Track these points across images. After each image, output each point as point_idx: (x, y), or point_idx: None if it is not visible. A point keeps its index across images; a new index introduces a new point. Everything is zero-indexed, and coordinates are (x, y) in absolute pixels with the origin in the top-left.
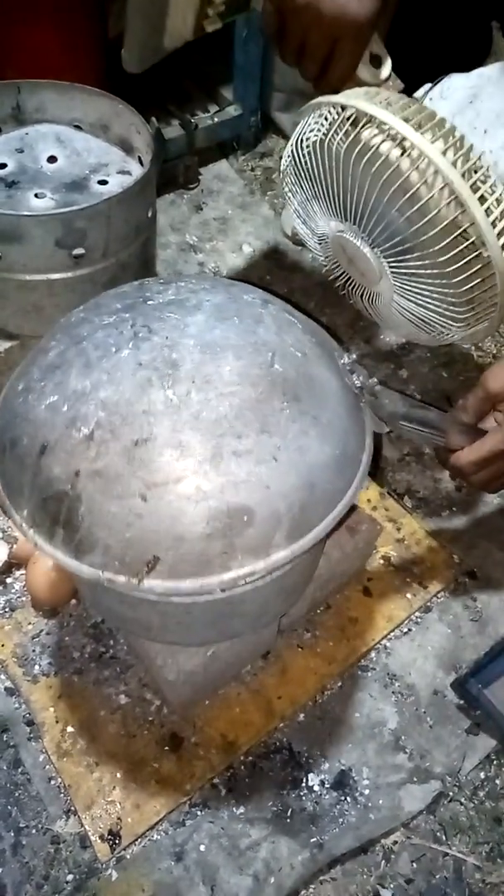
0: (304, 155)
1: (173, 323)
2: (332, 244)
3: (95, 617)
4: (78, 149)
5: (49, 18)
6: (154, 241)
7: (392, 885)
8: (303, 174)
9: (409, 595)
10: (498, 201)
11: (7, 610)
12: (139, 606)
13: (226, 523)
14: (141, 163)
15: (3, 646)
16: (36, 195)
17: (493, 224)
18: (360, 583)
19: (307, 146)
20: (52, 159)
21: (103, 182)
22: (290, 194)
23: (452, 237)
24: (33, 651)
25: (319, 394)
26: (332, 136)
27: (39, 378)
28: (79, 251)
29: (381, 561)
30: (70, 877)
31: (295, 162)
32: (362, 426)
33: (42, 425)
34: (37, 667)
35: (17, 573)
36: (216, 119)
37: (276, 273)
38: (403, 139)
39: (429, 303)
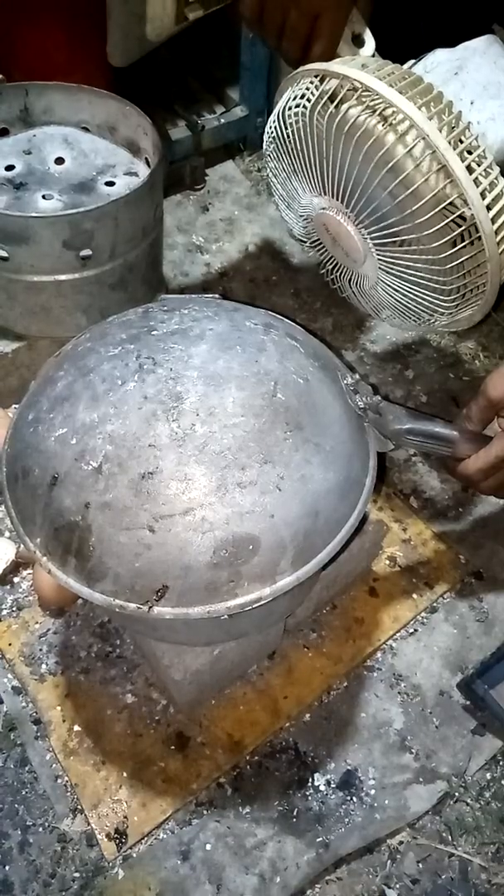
0: (284, 130)
1: (177, 354)
2: (315, 224)
3: (102, 616)
4: (85, 150)
5: (56, 20)
6: (161, 241)
7: (398, 886)
8: (284, 149)
9: (415, 595)
10: (486, 172)
11: (14, 609)
12: (136, 615)
13: (232, 552)
14: (148, 164)
15: (10, 645)
16: (43, 196)
17: (483, 195)
18: (366, 583)
19: (288, 121)
20: (59, 161)
21: (110, 183)
22: (272, 174)
23: (438, 210)
24: (40, 650)
25: (322, 420)
26: (312, 109)
27: (48, 409)
28: (86, 252)
29: (388, 561)
30: (77, 875)
31: (276, 137)
32: (366, 449)
33: (52, 457)
34: (44, 666)
35: (25, 572)
36: (223, 120)
37: (282, 273)
38: (385, 107)
39: (414, 284)
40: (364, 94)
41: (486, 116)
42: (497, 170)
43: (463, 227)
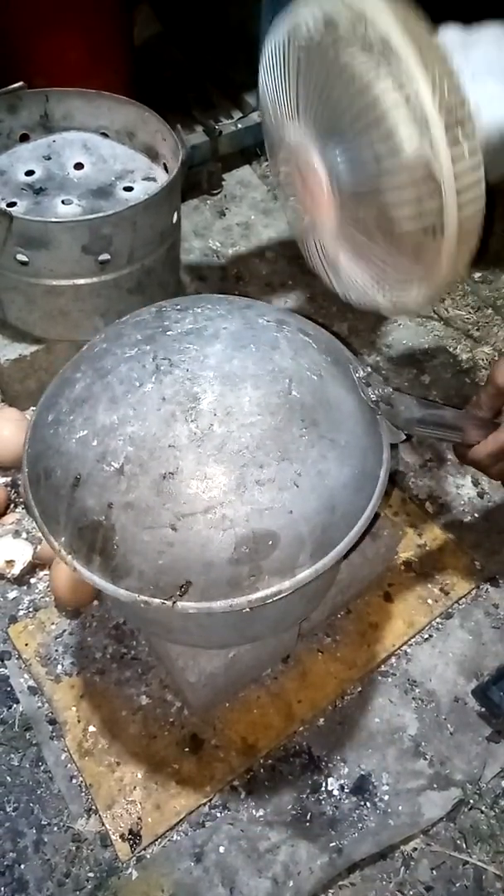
0: (280, 56)
1: (192, 354)
2: (289, 167)
3: (117, 618)
4: (104, 156)
5: (76, 26)
6: (178, 246)
7: (411, 893)
8: (276, 75)
9: (430, 601)
10: (471, 152)
11: (31, 610)
12: (161, 609)
13: (252, 548)
14: (166, 169)
15: (26, 645)
16: (63, 202)
17: (456, 176)
18: (381, 588)
19: (285, 44)
20: (78, 166)
21: (129, 188)
22: (261, 101)
23: (413, 171)
24: (56, 651)
25: (336, 416)
26: (311, 40)
27: (68, 411)
28: (105, 257)
29: (402, 566)
30: (91, 875)
31: (270, 60)
32: (379, 441)
33: (74, 458)
34: (59, 666)
35: (41, 573)
36: (240, 125)
37: (298, 278)
38: (384, 47)
39: (373, 252)
40: (367, 28)
41: (484, 94)
42: (480, 155)
43: (433, 197)
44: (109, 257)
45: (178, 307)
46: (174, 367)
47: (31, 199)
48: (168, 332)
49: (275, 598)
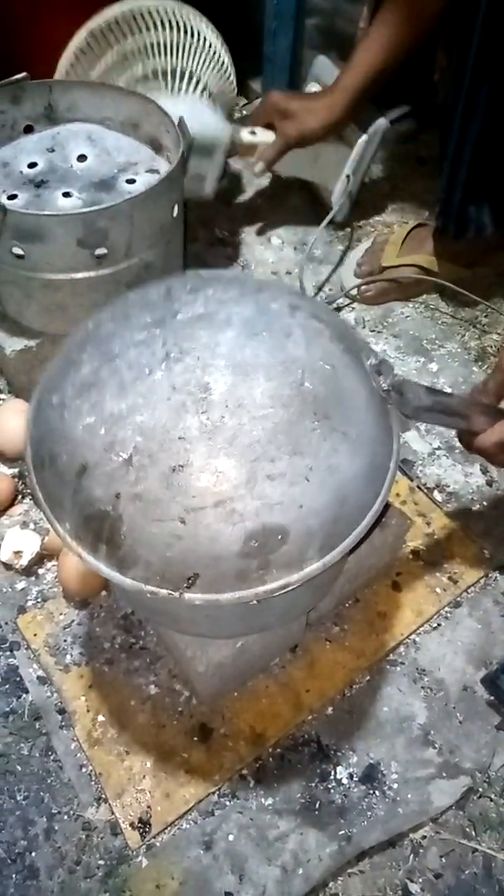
0: None
1: (204, 342)
2: None
3: (125, 608)
4: (108, 147)
5: (79, 15)
6: (182, 240)
7: (420, 880)
8: None
9: (438, 590)
10: None
11: (39, 600)
12: (168, 600)
13: (261, 542)
14: (169, 161)
15: (35, 635)
16: (64, 194)
17: None
18: (389, 577)
19: None
20: (81, 158)
21: (131, 181)
22: None
23: None
24: (65, 641)
25: (348, 407)
26: None
27: (74, 395)
28: (101, 251)
29: (411, 555)
30: (101, 862)
31: None
32: (389, 432)
33: (80, 445)
34: (68, 656)
35: (49, 564)
36: (245, 112)
37: (305, 265)
38: None
39: None
40: None
41: None
42: None
43: None
44: (106, 251)
45: (188, 288)
46: (185, 355)
47: (31, 192)
48: (178, 317)
49: (283, 591)
